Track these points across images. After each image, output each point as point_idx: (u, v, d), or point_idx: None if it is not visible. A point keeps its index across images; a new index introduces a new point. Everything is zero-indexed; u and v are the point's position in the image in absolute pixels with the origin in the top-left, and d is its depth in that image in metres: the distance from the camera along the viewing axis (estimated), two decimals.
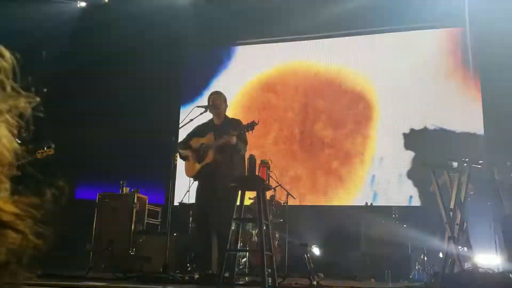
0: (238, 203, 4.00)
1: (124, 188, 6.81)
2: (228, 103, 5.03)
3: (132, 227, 6.44)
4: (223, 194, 4.39)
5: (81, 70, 8.40)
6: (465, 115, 7.25)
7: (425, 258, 5.76)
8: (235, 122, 4.70)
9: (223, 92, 5.03)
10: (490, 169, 4.60)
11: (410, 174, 7.25)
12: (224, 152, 4.57)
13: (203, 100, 8.38)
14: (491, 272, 3.36)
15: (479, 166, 4.38)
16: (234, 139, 4.41)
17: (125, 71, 8.47)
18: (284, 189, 6.87)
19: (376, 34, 7.98)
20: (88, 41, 8.40)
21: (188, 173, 4.83)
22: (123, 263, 5.57)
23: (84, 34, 8.37)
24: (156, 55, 8.51)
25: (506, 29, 6.96)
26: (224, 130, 4.49)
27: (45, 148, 5.33)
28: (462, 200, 4.10)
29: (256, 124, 4.35)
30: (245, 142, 4.65)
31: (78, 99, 8.31)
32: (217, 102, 4.84)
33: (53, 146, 5.40)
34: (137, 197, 6.63)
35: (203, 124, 4.97)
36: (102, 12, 8.18)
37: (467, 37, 7.53)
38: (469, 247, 4.24)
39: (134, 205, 6.53)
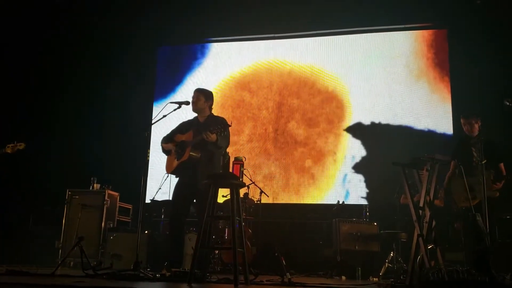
0: (211, 199, 3.98)
1: (94, 185, 6.70)
2: None
3: (103, 224, 6.36)
4: (200, 191, 4.38)
5: (54, 68, 8.22)
6: (435, 115, 7.42)
7: (395, 256, 5.85)
8: (219, 120, 4.68)
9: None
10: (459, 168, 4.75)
11: (381, 173, 7.36)
12: (202, 149, 4.55)
13: (177, 96, 8.39)
14: (457, 269, 3.43)
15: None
16: (213, 137, 4.38)
17: (99, 67, 8.35)
18: (258, 187, 6.90)
19: (349, 35, 8.08)
20: (60, 38, 8.23)
21: (167, 170, 4.82)
22: (93, 261, 5.48)
23: (57, 32, 8.19)
24: (129, 51, 8.40)
25: (477, 32, 7.14)
26: (206, 128, 4.46)
27: (15, 143, 5.19)
28: (431, 199, 4.17)
29: (229, 125, 4.37)
30: (226, 139, 4.64)
31: (51, 95, 8.14)
32: (194, 99, 4.82)
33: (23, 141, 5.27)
34: (108, 193, 6.54)
35: (188, 121, 4.96)
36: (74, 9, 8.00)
37: (439, 39, 7.70)
38: (438, 244, 4.34)
39: (104, 202, 6.45)
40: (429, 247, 4.20)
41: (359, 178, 7.52)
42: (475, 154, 5.04)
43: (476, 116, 5.22)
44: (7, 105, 7.48)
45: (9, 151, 5.18)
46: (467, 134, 5.24)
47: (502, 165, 5.11)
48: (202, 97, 4.82)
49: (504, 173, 5.07)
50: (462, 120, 5.27)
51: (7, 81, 7.49)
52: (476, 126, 5.14)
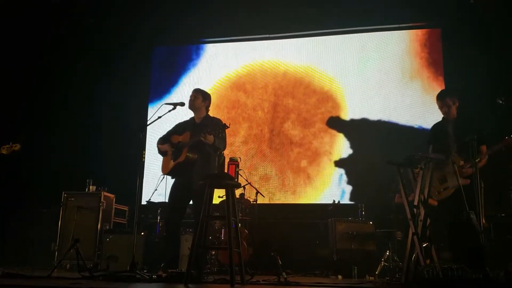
0: (206, 200, 3.98)
1: (90, 187, 6.70)
2: None
3: (99, 226, 6.36)
4: (196, 192, 4.38)
5: (49, 69, 8.20)
6: (429, 114, 7.42)
7: (391, 254, 5.87)
8: (215, 121, 4.69)
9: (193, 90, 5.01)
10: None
11: (376, 172, 7.37)
12: (199, 150, 4.56)
13: (172, 97, 8.39)
14: (452, 267, 3.46)
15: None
16: (210, 138, 4.39)
17: (95, 68, 8.33)
18: (254, 187, 6.91)
19: (343, 35, 8.10)
20: (59, 38, 8.21)
21: (163, 170, 4.83)
22: (89, 262, 5.49)
23: (56, 32, 8.18)
24: (125, 52, 8.39)
25: (470, 31, 7.17)
26: (202, 128, 4.47)
27: (11, 144, 5.17)
28: (426, 197, 4.19)
29: (227, 127, 4.38)
30: (223, 141, 4.65)
31: (45, 96, 8.11)
32: (191, 97, 4.84)
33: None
34: (104, 195, 6.54)
35: (184, 122, 4.97)
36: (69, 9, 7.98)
37: (432, 39, 7.74)
38: (432, 243, 4.35)
39: (100, 204, 6.44)
40: (424, 245, 4.23)
41: (355, 178, 7.54)
42: (451, 141, 4.62)
43: (452, 95, 4.68)
44: (3, 105, 7.46)
45: (4, 152, 5.16)
46: (444, 117, 4.77)
47: (484, 147, 4.43)
48: (200, 96, 4.86)
49: (485, 156, 4.40)
50: (437, 102, 4.72)
51: (5, 81, 7.48)
52: (454, 107, 4.65)
